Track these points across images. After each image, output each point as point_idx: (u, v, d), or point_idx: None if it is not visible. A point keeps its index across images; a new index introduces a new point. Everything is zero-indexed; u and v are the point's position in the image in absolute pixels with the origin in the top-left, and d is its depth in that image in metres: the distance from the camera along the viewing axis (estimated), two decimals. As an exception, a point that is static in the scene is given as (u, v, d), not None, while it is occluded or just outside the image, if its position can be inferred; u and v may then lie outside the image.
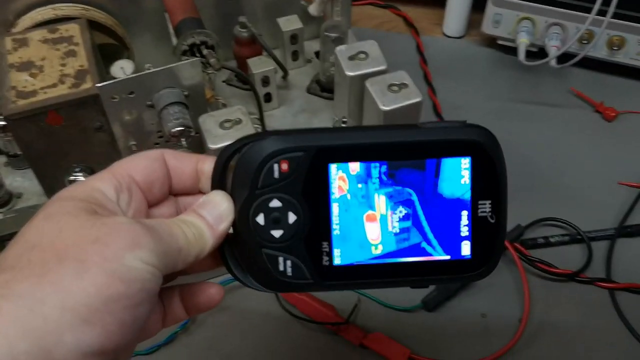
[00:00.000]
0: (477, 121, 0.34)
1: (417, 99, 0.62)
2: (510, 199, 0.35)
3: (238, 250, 0.34)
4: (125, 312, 0.27)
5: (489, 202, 0.34)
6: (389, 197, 0.34)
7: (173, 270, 0.31)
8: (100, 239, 0.28)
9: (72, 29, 0.64)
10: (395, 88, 0.62)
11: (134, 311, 0.28)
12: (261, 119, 0.74)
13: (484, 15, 0.89)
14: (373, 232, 0.34)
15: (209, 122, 0.60)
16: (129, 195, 0.33)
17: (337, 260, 0.34)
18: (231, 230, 0.34)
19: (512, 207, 0.36)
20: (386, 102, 0.61)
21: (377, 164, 0.33)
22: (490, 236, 0.34)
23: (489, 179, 0.34)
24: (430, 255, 0.35)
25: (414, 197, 0.34)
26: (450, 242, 0.34)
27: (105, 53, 0.69)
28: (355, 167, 0.33)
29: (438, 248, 0.34)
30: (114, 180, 0.32)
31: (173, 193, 0.36)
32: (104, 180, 0.32)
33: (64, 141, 0.60)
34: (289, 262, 0.34)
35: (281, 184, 0.33)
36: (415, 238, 0.34)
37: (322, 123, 0.77)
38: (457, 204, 0.34)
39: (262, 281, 0.34)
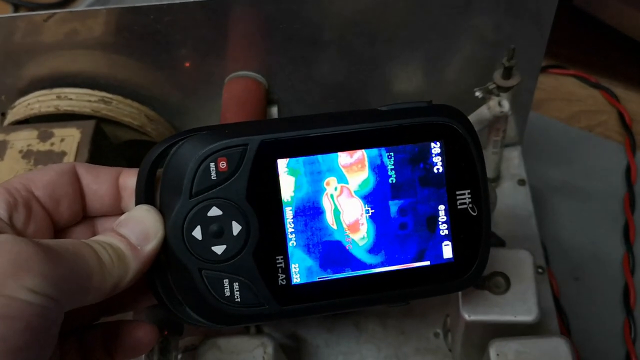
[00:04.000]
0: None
1: None
2: None
3: (172, 276, 0.29)
4: None
5: (468, 191, 0.30)
6: (352, 195, 0.29)
7: (82, 303, 0.25)
8: None
9: (70, 140, 0.44)
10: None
11: (17, 358, 0.22)
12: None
13: None
14: (337, 239, 0.29)
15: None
16: (26, 213, 0.28)
17: (296, 278, 0.29)
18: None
19: None
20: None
21: (335, 157, 0.29)
22: (473, 232, 0.30)
23: (465, 164, 0.30)
24: (407, 262, 0.30)
25: (382, 194, 0.29)
26: (429, 243, 0.30)
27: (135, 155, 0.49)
28: (308, 161, 0.29)
29: (415, 252, 0.30)
30: (6, 194, 0.28)
31: (90, 215, 0.31)
32: None
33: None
34: (236, 285, 0.28)
35: (220, 186, 0.28)
36: (387, 243, 0.29)
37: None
38: (431, 198, 0.30)
39: (203, 313, 0.29)
